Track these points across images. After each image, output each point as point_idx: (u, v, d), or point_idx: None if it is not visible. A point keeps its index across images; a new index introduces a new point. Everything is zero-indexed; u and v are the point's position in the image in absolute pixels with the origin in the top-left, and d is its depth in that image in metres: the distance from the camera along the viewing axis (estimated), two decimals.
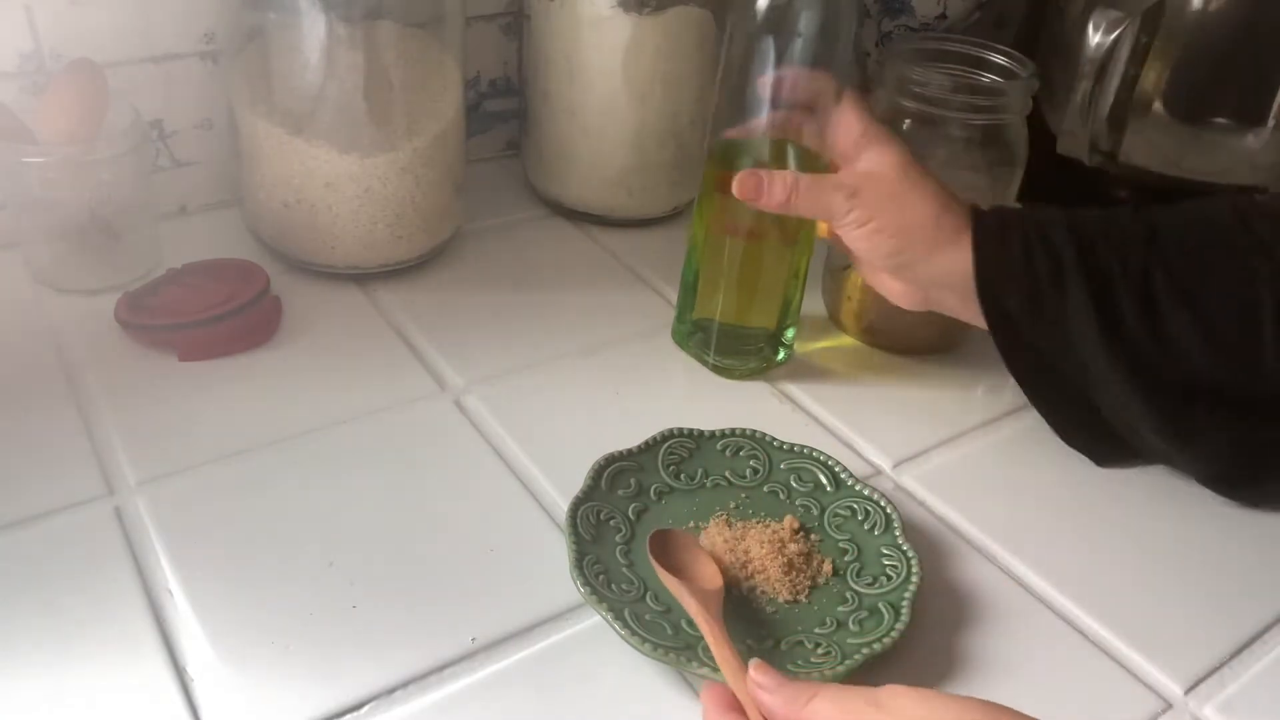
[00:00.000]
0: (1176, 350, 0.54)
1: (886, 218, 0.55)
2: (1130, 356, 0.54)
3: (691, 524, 0.52)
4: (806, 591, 0.49)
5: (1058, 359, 0.56)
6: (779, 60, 0.56)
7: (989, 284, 0.55)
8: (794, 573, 0.49)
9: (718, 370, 0.65)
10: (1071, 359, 0.56)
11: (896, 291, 0.59)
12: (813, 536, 0.52)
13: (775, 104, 0.57)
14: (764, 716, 0.38)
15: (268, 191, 0.67)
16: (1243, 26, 0.74)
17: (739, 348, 0.65)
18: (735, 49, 0.57)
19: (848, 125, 0.57)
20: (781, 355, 0.66)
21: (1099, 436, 0.59)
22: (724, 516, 0.53)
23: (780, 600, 0.48)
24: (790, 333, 0.66)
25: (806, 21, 0.55)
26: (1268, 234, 0.54)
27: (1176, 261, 0.54)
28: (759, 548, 0.50)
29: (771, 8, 0.55)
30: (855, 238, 0.56)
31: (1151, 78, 0.76)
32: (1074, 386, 0.57)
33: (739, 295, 0.63)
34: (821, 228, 0.61)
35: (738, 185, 0.56)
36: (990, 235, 0.55)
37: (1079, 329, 0.54)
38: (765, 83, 0.56)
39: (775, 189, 0.56)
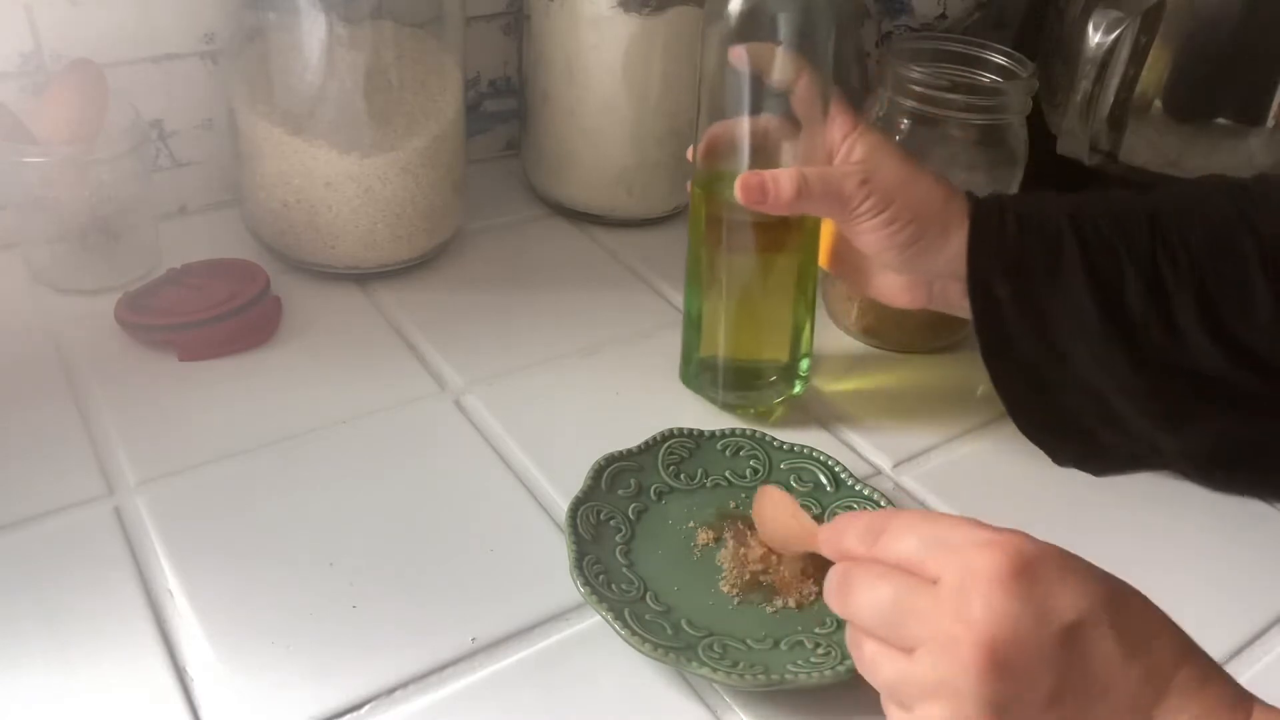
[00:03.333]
0: (1176, 333, 0.54)
1: (901, 202, 0.53)
2: (1126, 335, 0.54)
3: (691, 524, 0.52)
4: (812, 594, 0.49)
5: (1039, 340, 0.55)
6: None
7: (980, 257, 0.54)
8: (806, 580, 0.49)
9: (727, 408, 0.61)
10: (1052, 341, 0.55)
11: (898, 290, 0.58)
12: None
13: (757, 108, 0.54)
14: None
15: (268, 191, 0.67)
16: (1242, 26, 0.73)
17: (751, 383, 0.61)
18: (710, 59, 0.54)
19: (840, 123, 0.55)
20: (798, 389, 0.62)
21: (1062, 433, 0.58)
22: (724, 517, 0.53)
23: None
24: (805, 364, 0.62)
25: (784, 26, 0.52)
26: (1251, 210, 0.54)
27: (1175, 239, 0.54)
28: (760, 548, 0.50)
29: (746, 14, 0.52)
30: (869, 228, 0.54)
31: (1151, 78, 0.76)
32: (1043, 375, 0.56)
33: (744, 326, 0.59)
34: (822, 257, 0.59)
35: (741, 189, 0.53)
36: (988, 211, 0.54)
37: (1074, 305, 0.54)
38: (742, 79, 0.53)
39: (783, 186, 0.53)
